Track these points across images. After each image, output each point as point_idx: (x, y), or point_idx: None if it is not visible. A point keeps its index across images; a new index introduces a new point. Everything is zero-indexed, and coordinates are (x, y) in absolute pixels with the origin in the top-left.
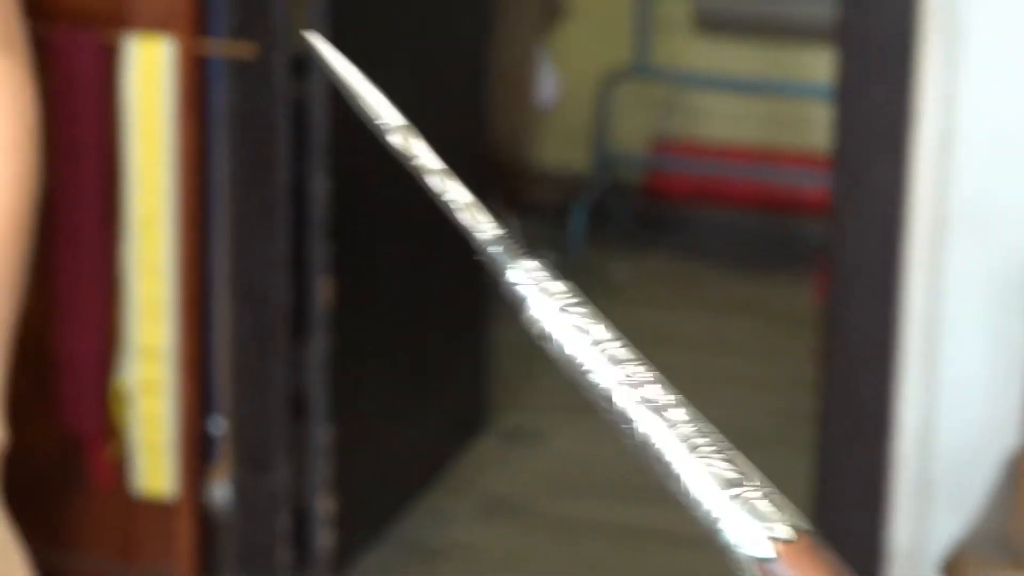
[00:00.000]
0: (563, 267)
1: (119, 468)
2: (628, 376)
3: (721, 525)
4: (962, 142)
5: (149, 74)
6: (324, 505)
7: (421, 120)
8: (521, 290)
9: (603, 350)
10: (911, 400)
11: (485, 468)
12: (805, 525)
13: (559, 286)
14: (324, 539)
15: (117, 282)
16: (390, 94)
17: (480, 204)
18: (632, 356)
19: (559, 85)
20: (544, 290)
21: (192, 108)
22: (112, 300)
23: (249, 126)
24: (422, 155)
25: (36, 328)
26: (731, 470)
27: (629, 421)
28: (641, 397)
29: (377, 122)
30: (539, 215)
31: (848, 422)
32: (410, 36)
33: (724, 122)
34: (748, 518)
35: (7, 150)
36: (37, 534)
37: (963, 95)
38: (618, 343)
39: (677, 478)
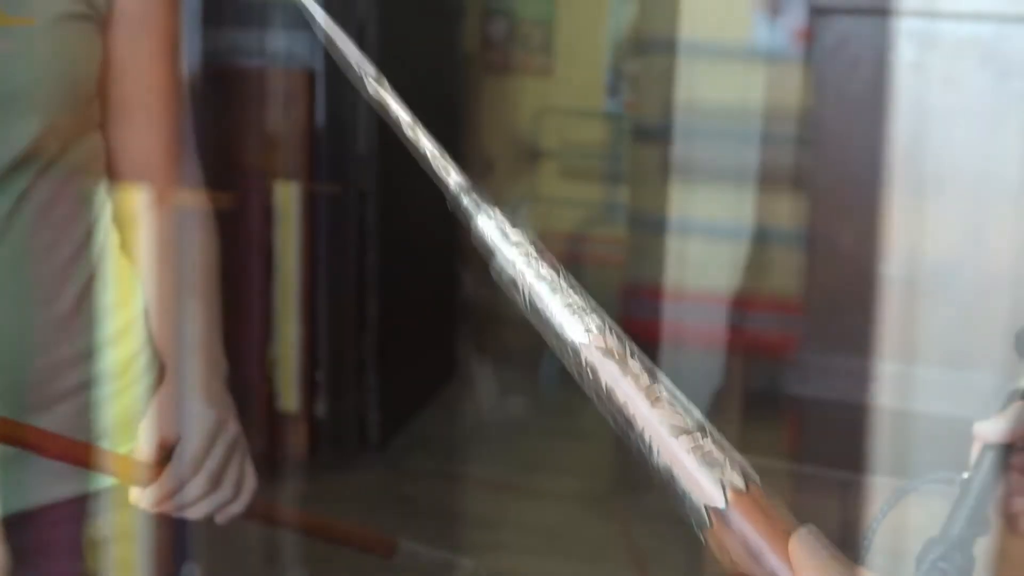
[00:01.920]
0: (536, 410)
1: None
2: (592, 326)
3: (676, 473)
4: (926, 293)
5: None
6: None
7: (398, 260)
8: (489, 239)
9: (567, 300)
10: None
11: None
12: (756, 476)
13: (523, 235)
14: None
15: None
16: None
17: (447, 155)
18: (592, 305)
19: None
20: (509, 239)
21: None
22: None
23: None
24: (394, 106)
25: None
26: (687, 420)
27: (594, 369)
28: (606, 347)
29: (355, 71)
30: (511, 359)
31: None
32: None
33: (694, 268)
34: (701, 467)
35: None
36: None
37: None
38: (578, 294)
39: (638, 426)
